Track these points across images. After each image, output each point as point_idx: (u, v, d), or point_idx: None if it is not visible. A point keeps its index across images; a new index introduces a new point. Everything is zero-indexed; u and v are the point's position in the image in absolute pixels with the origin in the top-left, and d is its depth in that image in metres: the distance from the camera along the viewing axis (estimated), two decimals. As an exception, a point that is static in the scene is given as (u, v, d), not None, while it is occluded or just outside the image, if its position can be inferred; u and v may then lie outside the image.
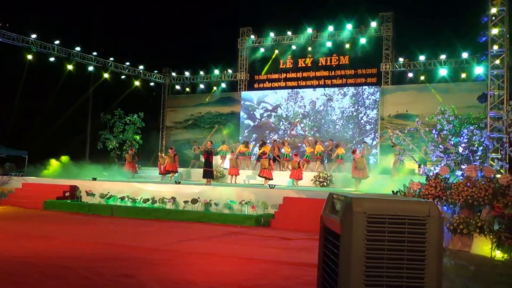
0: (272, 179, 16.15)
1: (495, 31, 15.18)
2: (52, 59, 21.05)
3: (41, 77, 20.30)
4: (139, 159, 21.32)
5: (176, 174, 18.41)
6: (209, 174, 16.36)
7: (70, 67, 21.45)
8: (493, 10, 15.14)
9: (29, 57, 19.97)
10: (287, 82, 23.75)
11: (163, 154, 19.58)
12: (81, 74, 22.20)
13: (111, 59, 23.45)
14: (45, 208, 14.18)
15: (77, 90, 22.29)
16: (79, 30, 22.43)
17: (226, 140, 21.82)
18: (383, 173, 16.60)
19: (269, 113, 23.63)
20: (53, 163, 19.07)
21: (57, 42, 21.03)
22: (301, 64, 23.49)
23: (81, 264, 6.26)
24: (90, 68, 22.68)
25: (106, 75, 23.21)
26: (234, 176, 17.30)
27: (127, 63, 24.22)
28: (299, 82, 23.51)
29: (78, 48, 21.87)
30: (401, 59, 21.45)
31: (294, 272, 6.24)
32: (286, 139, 21.19)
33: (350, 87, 22.08)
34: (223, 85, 25.44)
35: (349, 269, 2.83)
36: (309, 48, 23.06)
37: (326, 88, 22.54)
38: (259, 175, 16.65)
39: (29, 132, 19.88)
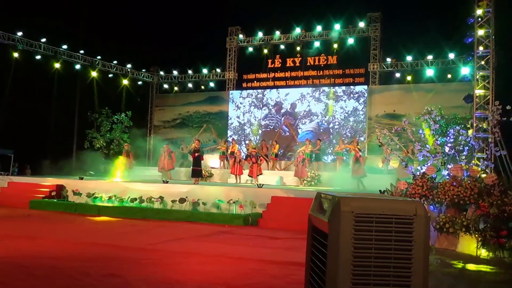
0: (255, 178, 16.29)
1: (481, 32, 15.34)
2: (38, 57, 20.82)
3: (27, 75, 20.06)
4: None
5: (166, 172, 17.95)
6: (197, 173, 16.31)
7: (57, 65, 21.25)
8: (479, 12, 15.30)
9: (15, 55, 19.73)
10: (275, 82, 23.77)
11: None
12: (68, 72, 21.99)
13: (99, 57, 23.29)
14: (31, 208, 14.03)
15: (64, 88, 22.07)
16: (66, 28, 22.21)
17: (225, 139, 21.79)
18: (370, 172, 16.68)
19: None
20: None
21: (43, 40, 20.82)
22: (290, 64, 23.54)
23: (68, 264, 6.21)
24: (77, 67, 22.49)
25: (93, 74, 23.03)
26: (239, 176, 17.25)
27: (115, 62, 24.07)
28: (287, 81, 23.55)
29: (65, 46, 21.67)
30: (388, 59, 21.61)
31: (282, 271, 6.25)
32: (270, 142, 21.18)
33: (338, 87, 22.16)
34: (212, 84, 25.43)
35: (337, 268, 2.84)
36: (298, 48, 23.13)
37: (314, 88, 22.60)
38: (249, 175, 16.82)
39: (15, 131, 19.64)
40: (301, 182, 16.45)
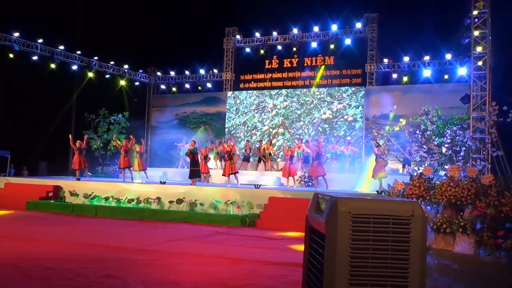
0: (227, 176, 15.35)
1: (477, 33, 15.39)
2: (35, 57, 20.75)
3: (23, 76, 20.00)
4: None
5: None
6: (195, 173, 16.26)
7: (53, 66, 21.20)
8: (476, 12, 15.36)
9: (12, 55, 19.67)
10: (272, 83, 23.79)
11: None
12: (65, 73, 21.94)
13: (96, 58, 23.23)
14: (28, 209, 13.99)
15: (61, 89, 21.99)
16: (62, 29, 22.15)
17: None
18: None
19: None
20: None
21: (40, 40, 20.76)
22: (287, 64, 23.55)
23: (65, 265, 6.19)
24: (74, 67, 22.44)
25: (90, 74, 22.98)
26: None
27: (112, 62, 24.01)
28: (284, 82, 23.57)
29: (61, 47, 21.61)
30: (385, 60, 21.63)
31: (279, 272, 6.25)
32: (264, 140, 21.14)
33: (335, 88, 22.17)
34: (209, 84, 25.42)
35: (334, 269, 2.84)
36: (294, 49, 23.15)
37: (310, 88, 22.61)
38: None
39: (12, 132, 19.58)
40: (288, 181, 15.90)
